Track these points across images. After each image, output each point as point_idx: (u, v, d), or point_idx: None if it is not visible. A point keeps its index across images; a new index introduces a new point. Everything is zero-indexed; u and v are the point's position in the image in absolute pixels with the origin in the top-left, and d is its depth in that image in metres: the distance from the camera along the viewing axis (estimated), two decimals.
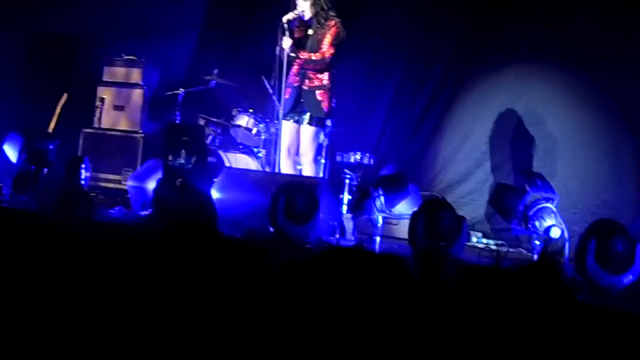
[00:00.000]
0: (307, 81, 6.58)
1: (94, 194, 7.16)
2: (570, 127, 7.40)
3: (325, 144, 7.33)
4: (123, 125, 8.31)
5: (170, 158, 4.53)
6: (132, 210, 6.40)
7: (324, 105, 6.56)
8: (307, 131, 6.65)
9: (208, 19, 8.94)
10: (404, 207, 5.99)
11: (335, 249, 2.40)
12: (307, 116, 6.64)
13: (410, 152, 8.27)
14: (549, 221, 5.57)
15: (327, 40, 6.51)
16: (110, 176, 7.98)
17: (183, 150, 4.52)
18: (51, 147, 6.59)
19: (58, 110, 7.33)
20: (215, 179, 5.92)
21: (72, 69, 8.62)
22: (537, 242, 5.63)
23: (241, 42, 8.74)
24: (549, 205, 5.59)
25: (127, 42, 8.65)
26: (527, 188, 5.84)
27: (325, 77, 6.57)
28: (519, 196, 5.69)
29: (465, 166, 7.91)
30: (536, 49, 7.62)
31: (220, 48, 8.79)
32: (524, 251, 6.65)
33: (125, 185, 7.02)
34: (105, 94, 8.40)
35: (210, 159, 6.69)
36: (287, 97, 6.60)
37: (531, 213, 5.55)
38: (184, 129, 4.88)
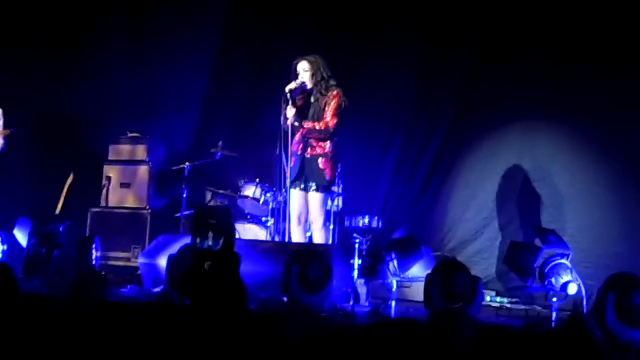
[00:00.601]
0: (309, 149, 6.62)
1: (103, 273, 7.13)
2: (577, 181, 7.40)
3: (334, 209, 7.35)
4: (130, 202, 8.34)
5: (198, 241, 4.54)
6: (144, 287, 6.35)
7: (327, 173, 6.58)
8: (315, 198, 6.65)
9: (211, 92, 9.04)
10: (418, 270, 5.94)
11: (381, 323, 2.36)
12: (313, 183, 6.65)
13: (417, 212, 8.26)
14: (565, 277, 5.52)
15: (330, 109, 6.56)
16: (120, 254, 7.96)
17: (211, 233, 4.53)
18: (60, 228, 6.59)
19: (65, 190, 7.36)
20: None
21: (78, 149, 8.70)
22: (554, 299, 5.56)
23: (245, 113, 8.83)
24: (564, 261, 5.55)
25: (132, 119, 8.75)
26: (541, 245, 5.80)
27: (327, 145, 6.60)
28: (533, 253, 5.65)
29: (474, 225, 7.88)
30: (539, 104, 7.66)
31: (224, 120, 8.87)
32: (539, 308, 6.59)
33: (134, 262, 7.00)
34: (112, 172, 8.45)
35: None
36: (291, 165, 6.63)
37: (547, 270, 5.50)
38: (211, 212, 4.90)
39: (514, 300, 7.05)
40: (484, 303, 6.00)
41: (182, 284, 4.34)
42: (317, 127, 6.56)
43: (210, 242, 4.55)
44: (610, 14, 7.22)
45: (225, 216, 4.69)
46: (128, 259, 7.84)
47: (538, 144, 7.74)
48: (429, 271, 5.29)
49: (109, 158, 8.55)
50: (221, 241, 4.55)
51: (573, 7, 7.42)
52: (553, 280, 5.52)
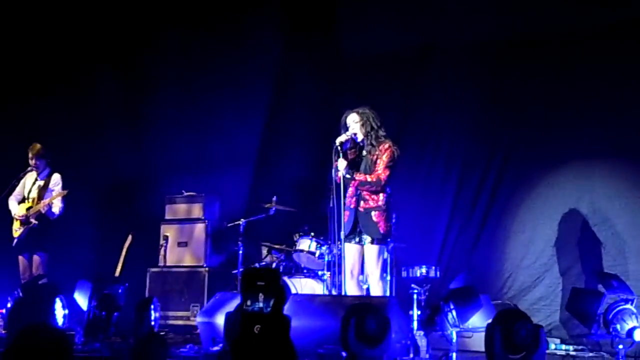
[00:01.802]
0: (362, 202, 6.59)
1: (163, 332, 7.17)
2: (638, 223, 7.23)
3: (389, 260, 7.28)
4: (188, 260, 8.42)
5: (248, 303, 4.53)
6: (203, 347, 6.35)
7: (381, 227, 6.53)
8: (371, 250, 6.60)
9: (263, 148, 9.15)
10: (478, 320, 5.84)
11: None
12: (367, 236, 6.61)
13: (475, 259, 8.14)
14: (630, 323, 5.36)
15: (382, 162, 6.54)
16: (179, 313, 8.02)
17: (261, 294, 4.51)
18: (120, 290, 6.66)
19: (124, 252, 7.47)
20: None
21: (136, 210, 8.86)
22: (620, 347, 5.40)
23: (297, 167, 8.88)
24: (628, 306, 5.40)
25: (187, 178, 8.89)
26: (603, 290, 5.66)
27: (380, 198, 6.56)
28: (596, 299, 5.52)
29: (534, 271, 7.74)
30: (596, 144, 7.55)
31: (278, 175, 8.94)
32: (606, 355, 6.40)
33: (193, 320, 7.02)
34: (169, 231, 8.56)
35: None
36: (345, 220, 6.61)
37: (611, 316, 5.36)
38: (259, 273, 4.88)
39: (579, 347, 6.85)
40: (548, 351, 5.86)
41: (233, 348, 4.32)
42: (370, 180, 6.54)
43: (260, 305, 4.52)
44: None
45: (274, 277, 4.66)
46: (187, 318, 7.89)
47: (596, 185, 7.61)
48: (489, 321, 5.19)
49: (166, 217, 8.68)
50: (271, 303, 4.51)
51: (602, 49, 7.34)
52: (618, 326, 5.37)
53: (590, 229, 7.49)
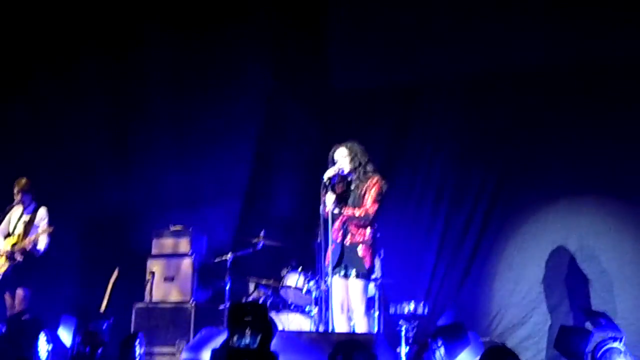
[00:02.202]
0: (349, 237, 6.57)
1: None
2: (627, 261, 7.26)
3: (376, 296, 7.24)
4: (174, 296, 8.34)
5: (235, 339, 4.47)
6: None
7: (367, 261, 6.51)
8: (356, 285, 6.57)
9: (251, 183, 9.13)
10: (466, 357, 5.79)
11: None
12: (352, 270, 6.58)
13: (463, 296, 8.12)
14: None
15: (370, 196, 6.53)
16: (165, 349, 7.92)
17: (248, 330, 4.46)
18: (104, 326, 6.60)
19: (110, 287, 7.41)
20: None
21: (122, 245, 8.79)
22: None
23: (285, 201, 8.87)
24: (616, 345, 5.38)
25: (174, 212, 8.84)
26: (591, 328, 5.65)
27: (367, 233, 6.55)
28: (584, 338, 5.50)
29: (522, 308, 7.74)
30: (583, 182, 7.59)
31: (265, 209, 8.92)
32: None
33: (179, 357, 6.94)
34: (155, 266, 8.49)
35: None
36: (331, 252, 6.58)
37: (599, 355, 5.34)
38: (247, 308, 4.83)
39: None
40: None
41: None
42: (357, 214, 6.52)
43: (247, 340, 4.46)
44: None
45: (262, 313, 4.62)
46: (173, 354, 7.79)
47: (584, 222, 7.64)
48: (477, 358, 5.16)
49: (153, 252, 8.61)
50: (259, 339, 4.47)
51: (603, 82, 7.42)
52: None
53: (578, 266, 7.51)
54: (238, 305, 5.98)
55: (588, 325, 6.00)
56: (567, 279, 7.58)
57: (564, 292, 7.57)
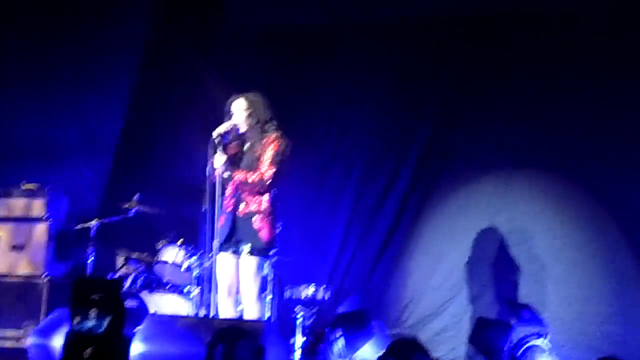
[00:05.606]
0: (242, 206, 6.60)
1: None
2: (560, 246, 7.49)
3: (270, 277, 7.32)
4: (23, 268, 8.21)
5: (76, 321, 4.43)
6: None
7: (264, 234, 6.54)
8: (248, 263, 6.61)
9: (126, 136, 9.01)
10: (369, 351, 5.94)
11: None
12: (246, 246, 6.62)
13: (373, 281, 8.27)
14: None
15: (267, 158, 6.54)
16: (8, 332, 7.83)
17: (93, 311, 4.43)
18: None
19: None
20: (137, 330, 5.84)
21: None
22: None
23: (166, 161, 8.81)
24: (540, 342, 5.60)
25: (28, 167, 8.68)
26: (513, 322, 5.85)
27: (264, 201, 6.57)
28: (504, 333, 5.70)
29: (439, 297, 7.92)
30: (518, 156, 7.79)
31: (141, 170, 8.84)
32: None
33: (25, 342, 6.86)
34: (1, 232, 8.35)
35: (129, 304, 6.59)
36: (221, 224, 6.60)
37: (519, 353, 5.55)
38: (95, 284, 4.78)
39: None
40: None
41: None
42: (251, 180, 6.54)
43: (91, 323, 4.45)
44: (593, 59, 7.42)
45: (114, 290, 4.61)
46: (18, 339, 7.71)
47: (516, 201, 7.84)
48: (382, 352, 5.30)
49: None
50: (106, 322, 4.46)
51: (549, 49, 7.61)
52: None
53: (506, 251, 7.72)
54: (83, 279, 5.88)
55: (511, 319, 6.20)
56: (494, 266, 7.78)
57: (487, 280, 7.77)
